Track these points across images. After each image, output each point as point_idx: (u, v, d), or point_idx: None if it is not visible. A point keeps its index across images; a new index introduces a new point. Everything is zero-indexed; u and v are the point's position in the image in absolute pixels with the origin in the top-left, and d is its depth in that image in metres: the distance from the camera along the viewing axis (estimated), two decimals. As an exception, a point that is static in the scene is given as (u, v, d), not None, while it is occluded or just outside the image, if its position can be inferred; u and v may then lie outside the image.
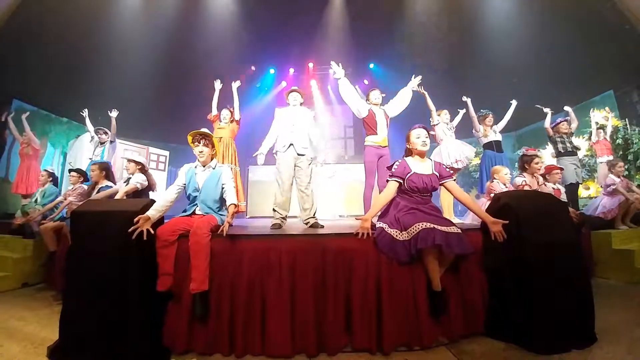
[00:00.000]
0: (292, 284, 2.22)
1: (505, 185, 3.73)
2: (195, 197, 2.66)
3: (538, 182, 3.76)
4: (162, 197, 2.52)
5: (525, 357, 1.97)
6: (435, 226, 2.15)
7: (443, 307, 2.21)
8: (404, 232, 2.25)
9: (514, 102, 5.17)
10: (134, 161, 3.94)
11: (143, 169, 3.95)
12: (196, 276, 2.18)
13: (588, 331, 2.12)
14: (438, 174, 2.50)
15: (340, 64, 3.55)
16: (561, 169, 4.15)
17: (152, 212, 2.27)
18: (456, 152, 4.14)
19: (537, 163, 3.69)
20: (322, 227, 3.31)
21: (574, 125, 5.10)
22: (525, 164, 3.77)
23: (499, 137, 4.94)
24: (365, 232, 2.32)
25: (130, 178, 3.85)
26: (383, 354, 2.09)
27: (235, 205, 2.60)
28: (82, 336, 2.05)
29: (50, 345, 2.16)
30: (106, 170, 4.03)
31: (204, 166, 2.74)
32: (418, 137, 2.51)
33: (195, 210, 2.64)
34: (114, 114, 5.48)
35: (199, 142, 2.70)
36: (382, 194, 2.50)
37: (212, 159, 2.79)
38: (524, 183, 3.63)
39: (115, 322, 2.04)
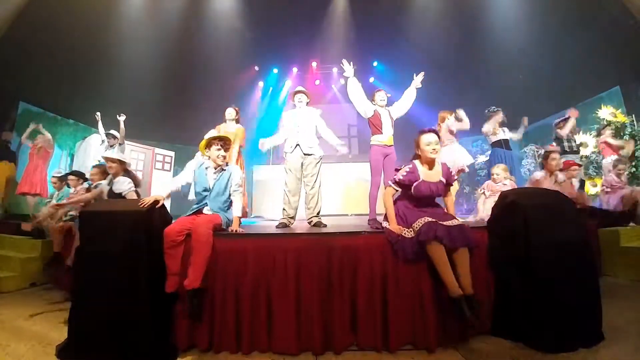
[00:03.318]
0: (297, 282, 2.23)
1: (503, 183, 3.76)
2: (205, 196, 2.68)
3: (556, 180, 3.75)
4: (172, 183, 2.74)
5: (533, 356, 1.96)
6: (438, 221, 2.16)
7: (469, 313, 1.97)
8: (409, 229, 2.27)
9: (525, 119, 5.06)
10: (119, 160, 3.46)
11: (127, 170, 3.58)
12: (191, 273, 2.20)
13: (595, 329, 2.10)
14: (445, 181, 2.48)
15: (351, 63, 3.57)
16: (580, 165, 4.15)
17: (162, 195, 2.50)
18: (453, 160, 4.19)
19: (553, 159, 3.73)
20: (325, 226, 3.32)
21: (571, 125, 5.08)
22: (543, 160, 3.84)
23: (508, 136, 4.91)
24: (399, 233, 2.29)
25: (114, 181, 3.44)
26: (389, 352, 2.09)
27: (239, 218, 2.69)
28: (90, 335, 2.08)
29: (58, 345, 2.19)
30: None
31: (215, 168, 2.75)
32: (428, 144, 2.39)
33: (202, 209, 2.66)
34: (122, 118, 5.52)
35: (217, 144, 2.72)
36: (386, 202, 2.51)
37: (226, 163, 2.83)
38: (540, 178, 3.70)
39: (123, 321, 2.06)
